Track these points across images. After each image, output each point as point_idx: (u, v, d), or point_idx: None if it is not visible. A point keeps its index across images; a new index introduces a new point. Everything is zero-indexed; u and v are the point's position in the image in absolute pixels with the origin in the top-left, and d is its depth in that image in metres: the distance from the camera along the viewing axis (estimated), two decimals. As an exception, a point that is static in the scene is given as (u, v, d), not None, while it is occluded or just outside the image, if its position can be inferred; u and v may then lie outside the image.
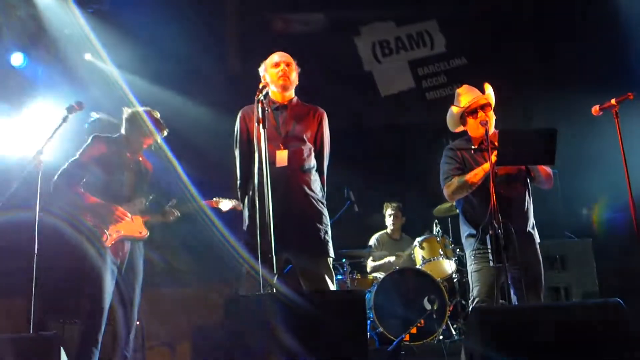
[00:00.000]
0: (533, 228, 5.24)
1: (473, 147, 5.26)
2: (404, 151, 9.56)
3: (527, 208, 5.22)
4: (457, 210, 5.41)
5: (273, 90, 4.99)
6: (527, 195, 5.23)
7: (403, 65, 9.93)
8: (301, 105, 5.11)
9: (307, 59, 5.24)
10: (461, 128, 5.42)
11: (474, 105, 5.25)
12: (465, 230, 5.32)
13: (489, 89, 5.30)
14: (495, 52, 9.58)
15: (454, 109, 5.36)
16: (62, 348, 4.23)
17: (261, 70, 5.10)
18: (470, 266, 5.19)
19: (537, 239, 5.23)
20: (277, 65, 5.01)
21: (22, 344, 3.97)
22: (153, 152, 5.91)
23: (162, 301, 8.22)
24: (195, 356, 7.45)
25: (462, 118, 5.35)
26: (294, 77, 5.06)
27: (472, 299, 5.13)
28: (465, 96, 5.32)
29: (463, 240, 5.35)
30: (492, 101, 5.29)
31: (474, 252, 5.14)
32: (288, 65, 5.03)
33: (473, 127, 5.27)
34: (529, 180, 5.26)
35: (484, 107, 5.23)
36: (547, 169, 5.23)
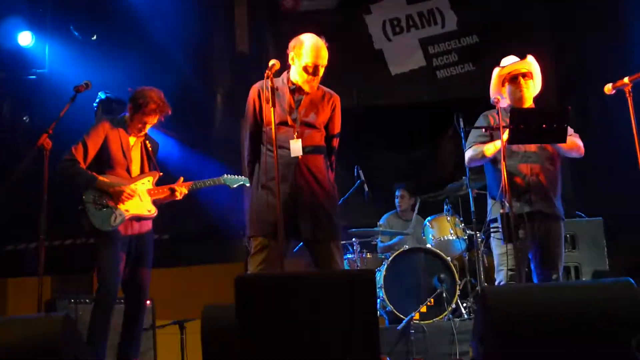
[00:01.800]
0: (559, 204, 5.23)
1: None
2: (414, 130, 9.50)
3: (554, 185, 5.21)
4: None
5: (296, 79, 4.83)
6: (556, 171, 5.24)
7: (414, 43, 9.83)
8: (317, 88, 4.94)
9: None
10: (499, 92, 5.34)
11: (514, 72, 5.22)
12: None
13: (530, 58, 5.27)
14: (507, 30, 9.49)
15: (496, 71, 5.32)
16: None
17: (290, 50, 4.81)
18: (497, 247, 5.20)
19: (563, 217, 5.24)
20: (312, 72, 4.73)
21: (32, 325, 3.91)
22: (159, 130, 5.89)
23: (172, 280, 8.26)
24: (205, 335, 7.45)
25: (503, 83, 5.31)
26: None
27: (501, 280, 5.13)
28: (507, 60, 5.33)
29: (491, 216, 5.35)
30: (534, 70, 5.26)
31: (497, 234, 5.15)
32: (322, 67, 4.78)
33: (511, 93, 5.24)
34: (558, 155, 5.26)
35: (525, 75, 5.21)
36: (574, 140, 5.21)
